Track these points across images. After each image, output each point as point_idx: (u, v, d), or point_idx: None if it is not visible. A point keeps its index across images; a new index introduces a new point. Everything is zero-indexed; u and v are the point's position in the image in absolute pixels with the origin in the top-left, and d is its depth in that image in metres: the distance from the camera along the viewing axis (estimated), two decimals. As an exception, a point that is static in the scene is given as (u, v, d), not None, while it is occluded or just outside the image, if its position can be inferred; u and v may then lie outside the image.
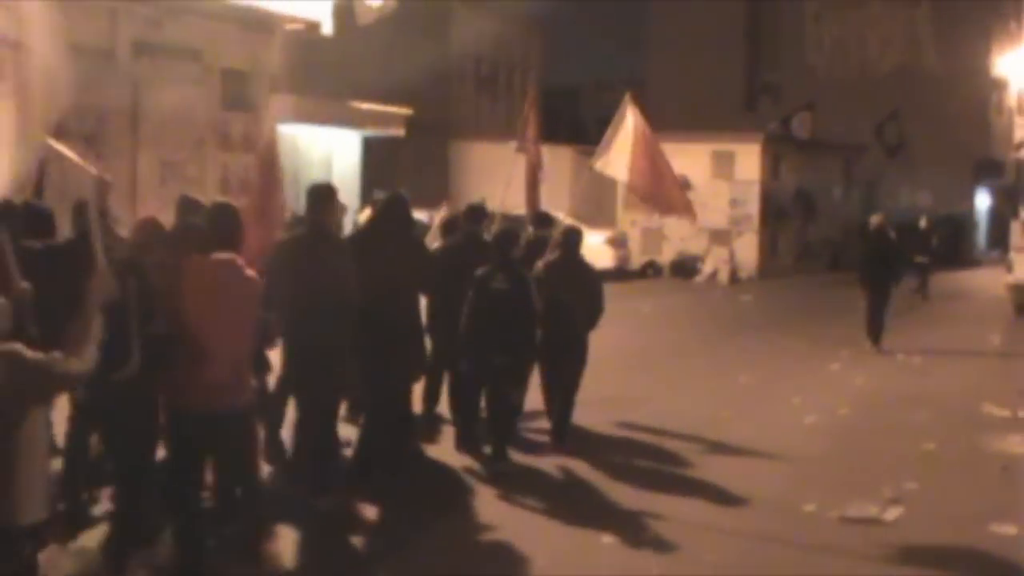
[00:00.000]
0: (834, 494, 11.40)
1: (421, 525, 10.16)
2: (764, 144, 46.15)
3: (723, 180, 45.23)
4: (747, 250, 44.93)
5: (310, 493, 10.34)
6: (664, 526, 10.33)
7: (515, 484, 11.52)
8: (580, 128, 61.46)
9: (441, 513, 10.65)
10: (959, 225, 54.59)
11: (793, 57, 64.45)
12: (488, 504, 10.98)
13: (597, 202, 38.91)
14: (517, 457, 12.50)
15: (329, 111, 32.46)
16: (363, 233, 12.41)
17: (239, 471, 8.78)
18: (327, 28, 27.06)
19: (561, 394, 13.29)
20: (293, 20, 26.64)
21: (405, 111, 35.11)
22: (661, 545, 9.84)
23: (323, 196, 10.75)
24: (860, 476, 12.32)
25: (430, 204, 22.27)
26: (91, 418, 8.90)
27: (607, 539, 9.96)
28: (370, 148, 35.63)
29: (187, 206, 10.22)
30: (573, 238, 13.43)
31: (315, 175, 30.78)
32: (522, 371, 12.53)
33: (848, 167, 55.24)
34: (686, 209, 15.30)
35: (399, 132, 35.73)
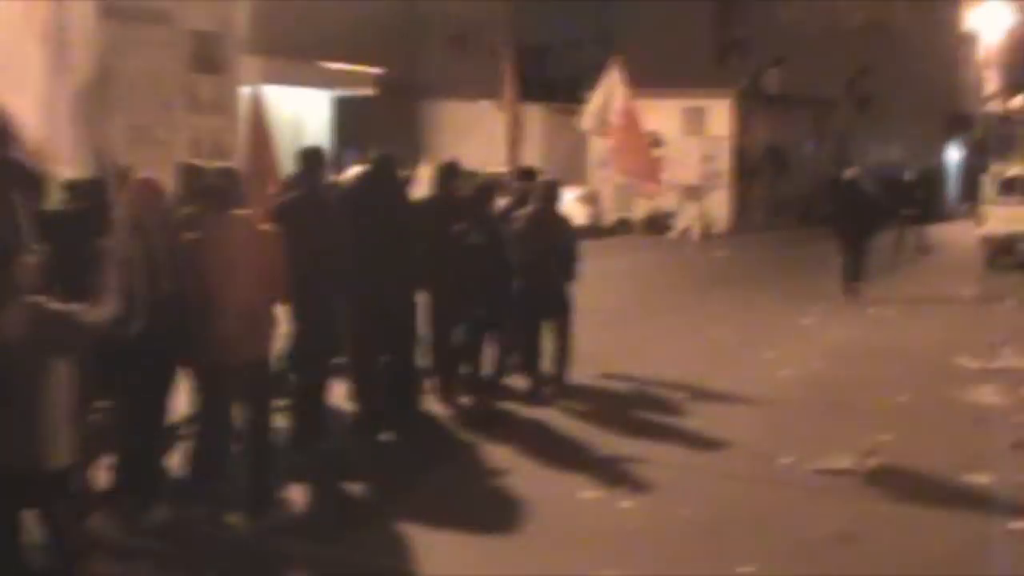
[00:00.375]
0: (810, 446, 11.46)
1: (413, 476, 10.27)
2: (735, 99, 46.15)
3: (694, 136, 45.21)
4: (719, 206, 44.94)
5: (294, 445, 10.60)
6: (643, 476, 10.40)
7: (497, 434, 11.70)
8: (550, 86, 61.13)
9: (431, 463, 10.81)
10: (931, 179, 54.68)
11: (762, 12, 64.35)
12: (473, 454, 11.13)
13: (569, 160, 38.87)
14: (501, 407, 12.87)
15: (298, 71, 32.33)
16: (355, 192, 12.21)
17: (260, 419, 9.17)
18: (294, -14, 27.00)
19: (554, 344, 13.64)
20: (260, -21, 26.58)
21: (375, 70, 34.99)
22: (640, 494, 9.93)
23: (317, 158, 11.31)
24: (835, 428, 12.39)
25: (401, 163, 22.25)
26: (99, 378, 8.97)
27: (587, 486, 10.07)
28: (340, 108, 35.52)
29: (190, 171, 10.52)
30: (552, 191, 13.77)
31: (285, 136, 30.54)
32: (500, 322, 13.07)
33: (819, 122, 55.23)
34: (654, 178, 15.62)
35: (368, 91, 35.61)
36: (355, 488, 10.20)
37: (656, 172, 16.71)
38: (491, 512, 9.53)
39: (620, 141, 15.83)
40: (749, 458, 11.22)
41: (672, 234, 42.96)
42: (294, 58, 32.17)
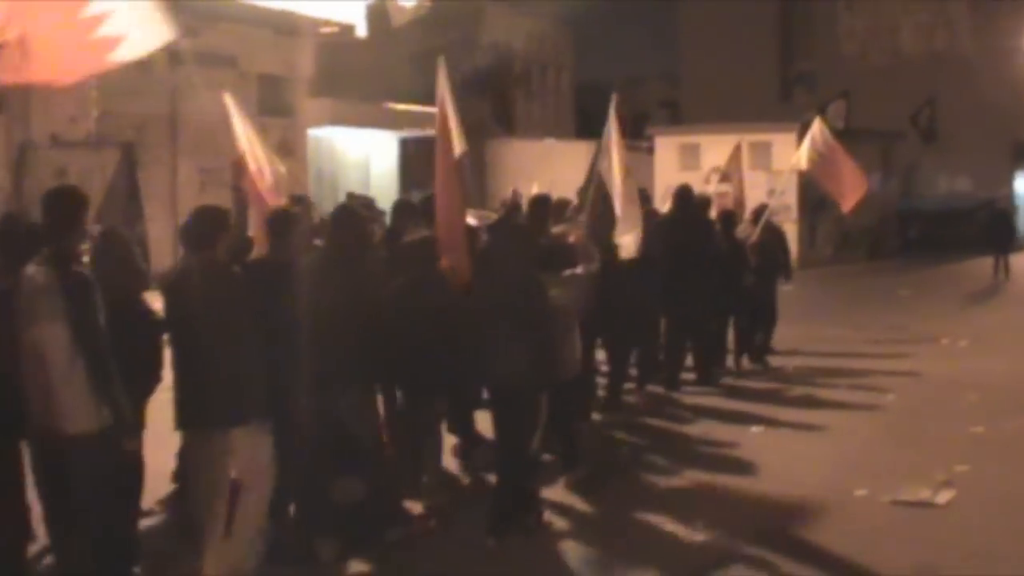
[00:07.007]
0: (885, 478, 11.40)
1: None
2: (800, 133, 45.85)
3: (760, 170, 44.96)
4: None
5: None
6: (716, 510, 10.37)
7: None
8: (613, 123, 60.93)
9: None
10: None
11: (826, 46, 64.22)
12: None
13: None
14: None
15: (365, 113, 32.55)
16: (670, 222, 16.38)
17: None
18: (361, 31, 27.19)
19: (762, 332, 18.75)
20: (327, 23, 26.79)
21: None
22: (712, 527, 9.91)
23: (690, 194, 17.02)
24: (910, 459, 12.30)
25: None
26: None
27: (657, 516, 10.26)
28: (407, 149, 35.74)
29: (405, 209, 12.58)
30: (772, 224, 19.73)
31: (353, 177, 30.92)
32: (726, 312, 17.36)
33: (885, 155, 54.85)
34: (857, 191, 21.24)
35: (435, 132, 35.78)
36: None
37: (858, 187, 21.27)
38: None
39: (825, 169, 20.44)
40: (824, 490, 11.15)
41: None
42: (361, 100, 32.40)
